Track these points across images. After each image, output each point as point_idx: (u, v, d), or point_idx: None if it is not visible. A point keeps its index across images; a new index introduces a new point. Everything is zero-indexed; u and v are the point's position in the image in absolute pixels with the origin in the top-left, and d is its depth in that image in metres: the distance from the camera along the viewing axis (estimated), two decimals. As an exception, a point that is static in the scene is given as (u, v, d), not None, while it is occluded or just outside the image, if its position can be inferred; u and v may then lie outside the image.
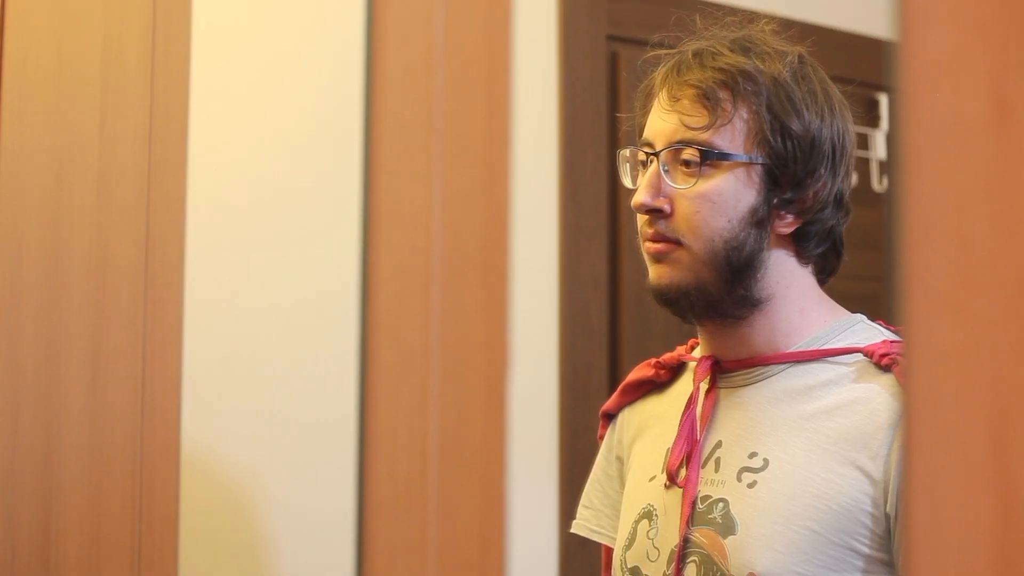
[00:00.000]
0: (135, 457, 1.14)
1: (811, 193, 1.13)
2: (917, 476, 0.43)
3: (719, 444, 1.15)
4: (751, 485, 1.11)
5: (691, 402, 1.18)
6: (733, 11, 1.23)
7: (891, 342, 1.13)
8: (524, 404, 2.00)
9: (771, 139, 1.11)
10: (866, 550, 1.06)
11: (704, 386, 1.18)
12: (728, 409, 1.16)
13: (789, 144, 1.11)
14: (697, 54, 1.14)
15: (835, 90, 1.17)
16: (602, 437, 1.33)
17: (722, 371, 1.18)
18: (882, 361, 1.11)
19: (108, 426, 1.16)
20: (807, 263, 1.17)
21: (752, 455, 1.12)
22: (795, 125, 1.11)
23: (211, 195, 1.70)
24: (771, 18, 1.21)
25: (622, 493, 1.28)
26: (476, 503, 0.57)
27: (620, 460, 1.29)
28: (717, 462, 1.14)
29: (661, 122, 1.15)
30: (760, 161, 1.12)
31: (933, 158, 0.43)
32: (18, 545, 1.17)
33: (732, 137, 1.12)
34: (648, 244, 1.15)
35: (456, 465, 0.57)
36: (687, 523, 1.13)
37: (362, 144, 0.57)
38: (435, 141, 0.57)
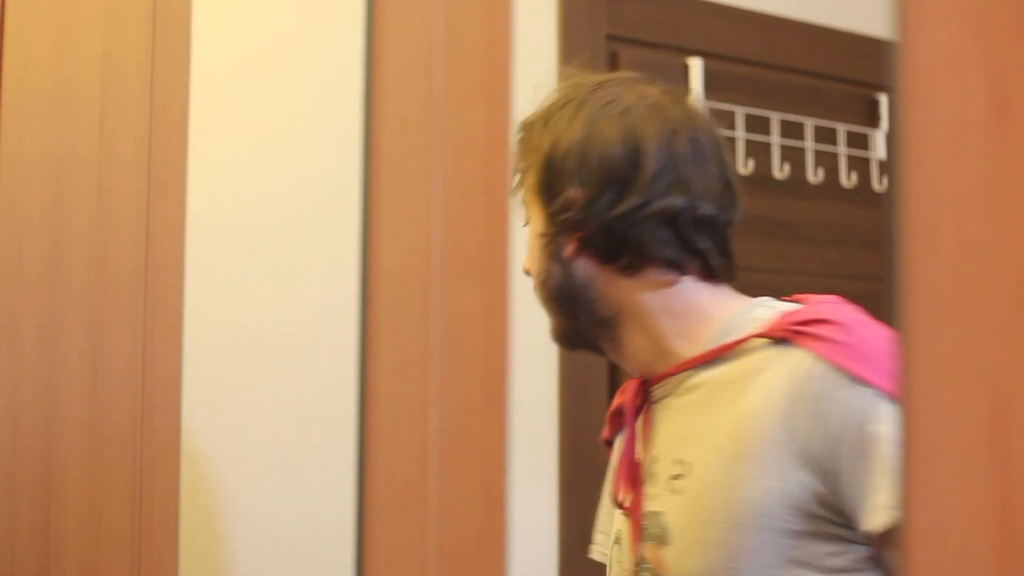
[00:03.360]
0: (135, 457, 1.14)
1: (556, 209, 1.15)
2: (917, 476, 0.43)
3: (655, 459, 1.15)
4: (678, 492, 1.11)
5: (628, 425, 1.19)
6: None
7: (785, 315, 1.10)
8: (524, 404, 1.99)
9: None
10: (797, 526, 1.03)
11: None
12: (661, 423, 1.17)
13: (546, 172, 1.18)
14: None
15: (625, 102, 1.19)
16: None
17: (648, 387, 1.19)
18: (781, 337, 1.08)
19: (108, 426, 1.16)
20: (633, 272, 1.14)
21: (678, 462, 1.12)
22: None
23: (211, 195, 1.70)
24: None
25: None
26: (476, 503, 0.57)
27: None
28: (655, 476, 1.15)
29: None
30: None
31: (933, 158, 0.43)
32: (18, 545, 1.17)
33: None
34: None
35: (456, 465, 0.57)
36: (638, 541, 1.14)
37: (362, 144, 0.57)
38: (435, 141, 0.57)
